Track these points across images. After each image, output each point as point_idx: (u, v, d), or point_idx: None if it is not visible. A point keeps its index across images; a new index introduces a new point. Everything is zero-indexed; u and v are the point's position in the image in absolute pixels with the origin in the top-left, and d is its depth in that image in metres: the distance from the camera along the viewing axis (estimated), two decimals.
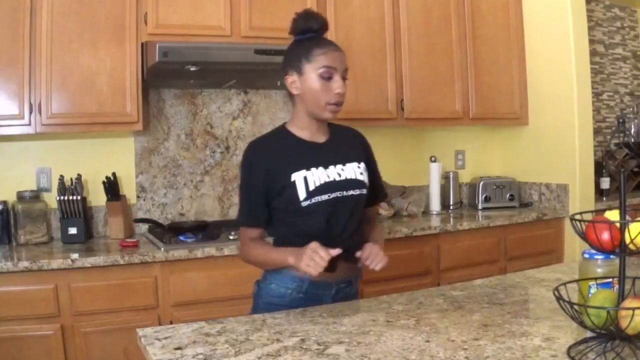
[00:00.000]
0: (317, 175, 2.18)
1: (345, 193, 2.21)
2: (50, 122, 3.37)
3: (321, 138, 2.28)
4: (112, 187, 3.72)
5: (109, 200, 3.71)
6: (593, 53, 5.50)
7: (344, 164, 2.25)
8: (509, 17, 4.70)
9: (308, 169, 2.18)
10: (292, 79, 2.21)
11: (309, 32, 2.21)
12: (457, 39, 4.48)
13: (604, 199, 4.99)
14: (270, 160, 2.20)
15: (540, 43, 4.63)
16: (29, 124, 3.34)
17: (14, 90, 3.31)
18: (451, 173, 4.84)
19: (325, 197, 2.17)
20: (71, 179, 3.65)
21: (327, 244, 2.10)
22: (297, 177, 2.16)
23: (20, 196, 3.59)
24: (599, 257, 1.72)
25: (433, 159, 4.64)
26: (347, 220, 2.23)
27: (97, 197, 3.83)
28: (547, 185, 4.63)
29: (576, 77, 4.35)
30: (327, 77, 2.14)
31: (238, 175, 2.29)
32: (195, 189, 4.12)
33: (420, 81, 4.34)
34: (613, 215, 1.53)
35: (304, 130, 2.26)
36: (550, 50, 4.52)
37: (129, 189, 3.95)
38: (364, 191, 2.28)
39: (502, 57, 4.67)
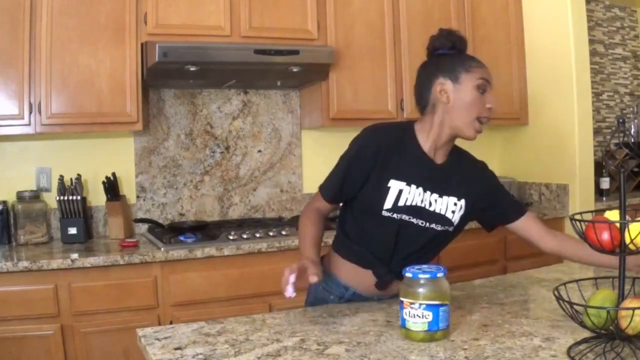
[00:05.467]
0: (413, 195, 2.06)
1: (427, 224, 2.08)
2: (50, 122, 3.38)
3: (440, 158, 2.14)
4: (111, 187, 3.72)
5: (108, 200, 3.71)
6: (593, 53, 5.50)
7: (441, 195, 2.10)
8: (509, 17, 4.70)
9: (409, 184, 2.06)
10: (443, 87, 2.05)
11: (453, 49, 2.10)
12: None
13: (604, 199, 5.00)
14: (382, 153, 2.06)
15: (540, 43, 4.63)
16: (29, 124, 3.35)
17: (14, 90, 3.31)
18: None
19: (406, 217, 2.06)
20: (71, 179, 3.65)
21: (383, 261, 2.12)
22: (394, 185, 2.05)
23: (20, 196, 3.59)
24: (424, 276, 1.67)
25: None
26: (416, 249, 2.11)
27: (97, 197, 3.83)
28: (547, 186, 4.63)
29: (576, 77, 4.35)
30: (482, 91, 2.06)
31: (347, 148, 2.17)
32: (195, 189, 4.12)
33: None
34: (613, 215, 1.53)
35: (429, 142, 2.11)
36: (550, 50, 4.52)
37: (128, 189, 3.95)
38: (448, 229, 2.12)
39: (502, 57, 4.66)
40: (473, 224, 4.04)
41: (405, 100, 4.24)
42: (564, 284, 1.69)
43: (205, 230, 3.64)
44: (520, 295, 2.17)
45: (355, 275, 2.17)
